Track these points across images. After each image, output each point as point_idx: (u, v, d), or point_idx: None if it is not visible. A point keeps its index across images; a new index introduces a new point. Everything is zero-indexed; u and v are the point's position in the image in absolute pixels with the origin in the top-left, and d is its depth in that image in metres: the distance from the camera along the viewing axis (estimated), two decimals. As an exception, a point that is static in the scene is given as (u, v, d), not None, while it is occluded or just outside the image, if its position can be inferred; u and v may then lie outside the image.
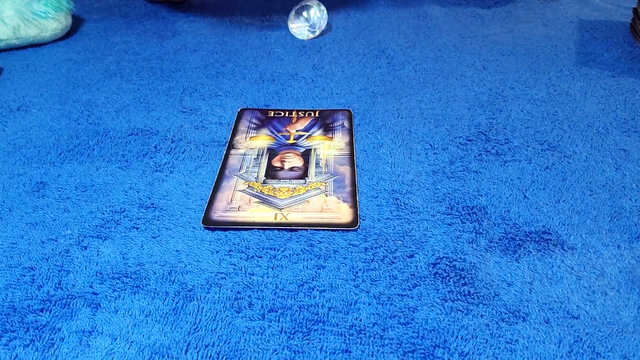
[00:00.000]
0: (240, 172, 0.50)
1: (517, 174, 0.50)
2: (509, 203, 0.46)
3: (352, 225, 0.43)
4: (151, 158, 0.53)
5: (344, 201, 0.46)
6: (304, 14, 0.77)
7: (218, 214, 0.45)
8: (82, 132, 0.57)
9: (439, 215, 0.45)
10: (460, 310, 0.37)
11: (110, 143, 0.55)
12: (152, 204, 0.47)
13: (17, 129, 0.58)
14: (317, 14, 0.77)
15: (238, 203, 0.46)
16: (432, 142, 0.54)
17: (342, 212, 0.45)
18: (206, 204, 0.46)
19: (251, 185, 0.48)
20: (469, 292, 0.38)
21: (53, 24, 0.75)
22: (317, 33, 0.78)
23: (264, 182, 0.49)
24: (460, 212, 0.45)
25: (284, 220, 0.44)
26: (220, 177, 0.49)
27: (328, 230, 0.43)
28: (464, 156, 0.52)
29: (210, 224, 0.44)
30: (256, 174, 0.50)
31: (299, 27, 0.77)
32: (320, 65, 0.70)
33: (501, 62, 0.70)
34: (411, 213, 0.45)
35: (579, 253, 0.41)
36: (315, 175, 0.49)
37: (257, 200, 0.46)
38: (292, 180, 0.49)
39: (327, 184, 0.48)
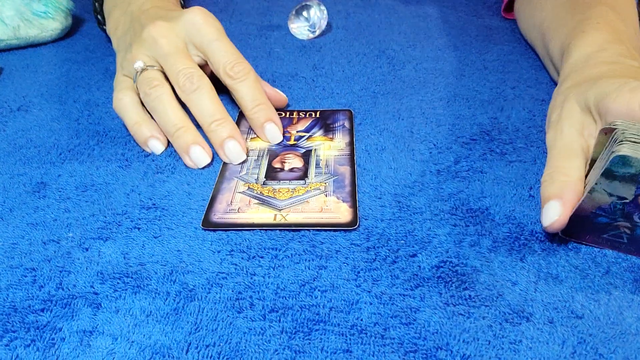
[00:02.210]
0: (241, 174, 0.50)
1: (521, 172, 0.49)
2: (514, 202, 0.46)
3: (352, 224, 0.43)
4: (152, 160, 0.53)
5: (343, 201, 0.46)
6: (304, 13, 0.77)
7: (218, 215, 0.45)
8: (82, 132, 0.57)
9: (443, 215, 0.45)
10: (461, 315, 0.37)
11: (110, 143, 0.55)
12: (154, 204, 0.47)
13: (17, 129, 0.58)
14: (317, 14, 0.76)
15: (238, 205, 0.46)
16: (435, 142, 0.54)
17: (341, 212, 0.45)
18: (206, 206, 0.46)
19: (251, 186, 0.48)
20: (470, 295, 0.38)
21: (53, 24, 0.75)
22: (317, 33, 0.78)
23: (264, 184, 0.48)
24: (464, 212, 0.45)
25: (283, 221, 0.44)
26: (221, 178, 0.49)
27: (327, 230, 0.43)
28: (468, 156, 0.52)
29: (210, 226, 0.44)
30: (256, 175, 0.50)
31: (299, 27, 0.77)
32: (321, 65, 0.70)
33: (502, 61, 0.70)
34: (414, 213, 0.45)
35: (584, 251, 0.41)
36: (315, 176, 0.49)
37: (256, 201, 0.46)
38: (292, 181, 0.49)
39: (327, 184, 0.48)
